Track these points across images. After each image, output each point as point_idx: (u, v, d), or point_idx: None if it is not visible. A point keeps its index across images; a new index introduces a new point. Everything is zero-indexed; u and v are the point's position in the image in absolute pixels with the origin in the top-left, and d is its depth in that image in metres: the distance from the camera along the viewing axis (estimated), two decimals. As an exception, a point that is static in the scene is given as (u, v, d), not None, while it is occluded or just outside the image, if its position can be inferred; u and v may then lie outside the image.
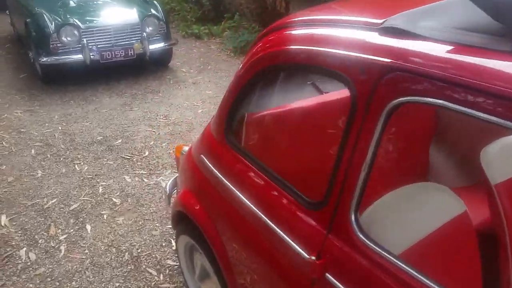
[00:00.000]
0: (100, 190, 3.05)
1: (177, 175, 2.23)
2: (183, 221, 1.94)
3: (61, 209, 2.84)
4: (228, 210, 1.60)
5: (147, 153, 3.58)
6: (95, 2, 5.52)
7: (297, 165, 1.52)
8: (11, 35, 7.56)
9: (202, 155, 1.78)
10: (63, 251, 2.50)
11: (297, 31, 1.38)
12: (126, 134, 3.92)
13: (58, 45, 4.74)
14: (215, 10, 7.83)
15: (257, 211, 1.39)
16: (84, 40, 4.79)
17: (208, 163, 1.71)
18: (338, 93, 1.66)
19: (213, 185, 1.68)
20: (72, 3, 5.22)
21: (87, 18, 4.97)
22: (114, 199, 2.94)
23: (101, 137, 3.85)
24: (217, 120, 1.70)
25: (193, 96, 4.84)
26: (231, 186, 1.55)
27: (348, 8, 1.46)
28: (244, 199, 1.47)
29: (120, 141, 3.79)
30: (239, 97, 1.59)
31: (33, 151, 3.61)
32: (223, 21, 7.38)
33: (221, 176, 1.61)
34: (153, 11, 5.29)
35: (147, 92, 4.96)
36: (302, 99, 1.76)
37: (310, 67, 1.32)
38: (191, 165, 1.90)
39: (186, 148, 2.16)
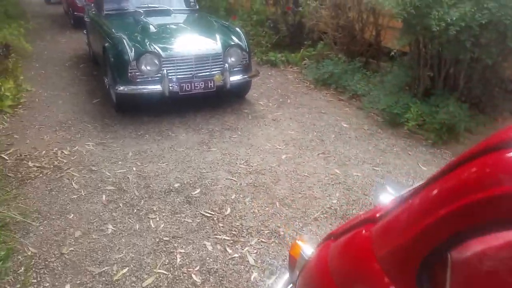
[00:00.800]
0: (178, 260, 2.59)
1: (287, 276, 1.69)
2: None
3: (133, 285, 2.39)
4: None
5: (228, 210, 3.10)
6: (175, 27, 5.24)
7: None
8: (87, 54, 7.54)
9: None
10: None
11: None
12: (205, 182, 3.47)
13: (137, 73, 4.45)
14: (293, 36, 7.38)
15: None
16: (164, 70, 4.46)
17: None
18: None
19: None
20: (152, 28, 4.94)
21: (168, 46, 4.66)
22: (194, 276, 2.45)
23: (178, 184, 3.42)
24: (399, 256, 1.12)
25: (275, 137, 4.34)
26: None
27: None
28: None
29: (198, 191, 3.34)
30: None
31: (104, 197, 3.25)
32: (302, 49, 6.89)
33: None
34: (236, 40, 4.89)
35: (225, 128, 4.54)
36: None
37: None
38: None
39: (308, 250, 1.60)
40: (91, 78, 6.29)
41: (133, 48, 4.44)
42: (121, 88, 4.46)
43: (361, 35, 5.82)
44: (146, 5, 5.65)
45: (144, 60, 4.40)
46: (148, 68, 4.45)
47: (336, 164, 3.77)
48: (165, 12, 5.65)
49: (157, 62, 4.45)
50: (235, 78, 4.84)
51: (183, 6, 6.02)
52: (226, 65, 4.70)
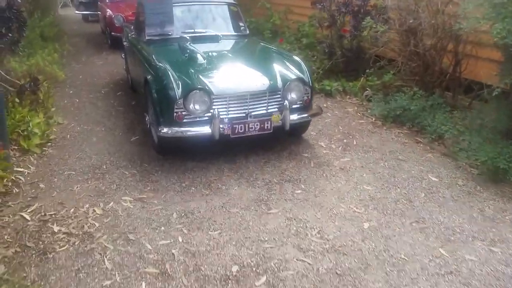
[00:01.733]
0: None
1: None
2: None
3: None
4: None
5: (309, 315, 2.30)
6: (226, 57, 4.55)
7: None
8: (124, 80, 6.99)
9: None
10: None
11: None
12: (270, 264, 2.69)
13: (183, 113, 3.76)
14: (349, 62, 6.56)
15: None
16: (216, 109, 3.75)
17: None
18: None
19: None
20: (200, 58, 4.25)
21: (219, 80, 3.95)
22: None
23: (237, 268, 2.66)
24: None
25: (348, 194, 3.54)
26: None
27: None
28: None
29: (263, 280, 2.56)
30: None
31: (144, 285, 2.51)
32: (362, 77, 6.08)
33: None
34: (298, 73, 4.14)
35: (284, 180, 3.76)
36: None
37: None
38: None
39: None
40: (129, 109, 5.68)
41: (180, 84, 3.75)
42: (165, 130, 3.77)
43: (439, 65, 4.96)
44: (193, 31, 5.00)
45: (192, 98, 3.70)
46: (197, 107, 3.74)
47: (438, 240, 2.92)
48: (213, 39, 4.98)
49: (208, 100, 3.75)
50: (296, 117, 4.09)
51: (232, 31, 5.34)
52: (286, 102, 3.95)
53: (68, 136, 4.82)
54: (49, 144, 4.57)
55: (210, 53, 4.49)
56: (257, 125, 3.90)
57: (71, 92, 6.52)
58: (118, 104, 5.94)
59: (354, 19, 6.03)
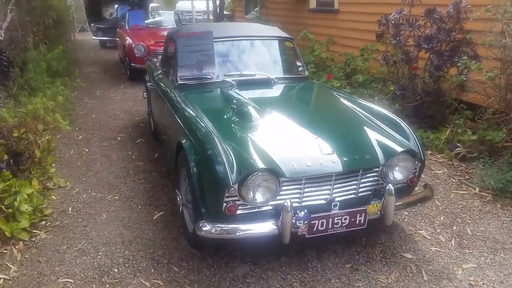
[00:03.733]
0: None
1: None
2: None
3: None
4: None
5: None
6: (291, 110, 3.31)
7: None
8: (145, 123, 5.80)
9: None
10: None
11: None
12: None
13: (237, 202, 2.47)
14: (426, 107, 5.16)
15: None
16: (287, 200, 2.45)
17: None
18: None
19: None
20: (255, 115, 3.01)
21: (289, 152, 2.66)
22: None
23: None
24: None
25: None
26: None
27: None
28: None
29: None
30: None
31: None
32: (448, 129, 4.75)
33: None
34: (404, 141, 2.85)
35: (392, 309, 2.42)
36: None
37: None
38: None
39: None
40: (151, 166, 4.44)
41: (235, 162, 2.47)
42: (207, 228, 2.48)
43: None
44: (239, 73, 3.77)
45: (253, 183, 2.42)
46: (259, 196, 2.46)
47: None
48: (266, 83, 3.75)
49: (275, 186, 2.46)
50: (399, 205, 2.76)
51: (288, 73, 4.11)
52: (390, 186, 2.63)
53: (70, 209, 3.57)
54: (43, 223, 3.34)
55: (265, 105, 3.24)
56: (345, 219, 2.60)
57: (79, 138, 5.34)
58: (137, 157, 4.71)
59: (438, 57, 4.74)
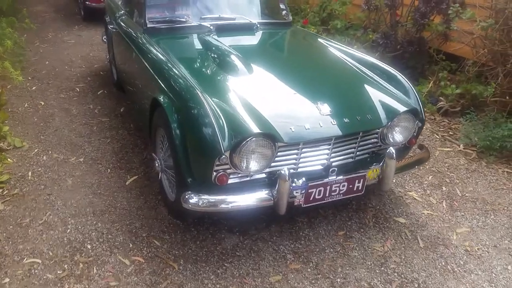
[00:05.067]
0: None
1: None
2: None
3: None
4: None
5: None
6: (279, 60, 2.98)
7: None
8: (105, 71, 5.26)
9: None
10: None
11: None
12: None
13: (228, 171, 2.20)
14: (408, 58, 4.98)
15: None
16: (284, 168, 2.20)
17: None
18: None
19: None
20: (242, 68, 2.67)
21: (285, 113, 2.37)
22: None
23: None
24: None
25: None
26: None
27: None
28: None
29: None
30: None
31: None
32: (431, 81, 4.60)
33: None
34: (407, 100, 2.62)
35: (392, 280, 2.31)
36: None
37: None
38: None
39: None
40: (118, 122, 4.03)
41: (225, 124, 2.15)
42: (194, 200, 2.21)
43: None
44: (217, 16, 3.33)
45: (247, 149, 2.13)
46: (253, 164, 2.18)
47: None
48: (247, 29, 3.36)
49: (270, 152, 2.19)
50: (396, 168, 2.59)
51: (269, 18, 3.71)
52: (391, 148, 2.44)
53: (30, 174, 3.17)
54: (0, 191, 2.94)
55: (249, 55, 2.90)
56: (343, 186, 2.40)
57: (33, 88, 4.77)
58: (100, 111, 4.26)
59: (425, 4, 4.46)
